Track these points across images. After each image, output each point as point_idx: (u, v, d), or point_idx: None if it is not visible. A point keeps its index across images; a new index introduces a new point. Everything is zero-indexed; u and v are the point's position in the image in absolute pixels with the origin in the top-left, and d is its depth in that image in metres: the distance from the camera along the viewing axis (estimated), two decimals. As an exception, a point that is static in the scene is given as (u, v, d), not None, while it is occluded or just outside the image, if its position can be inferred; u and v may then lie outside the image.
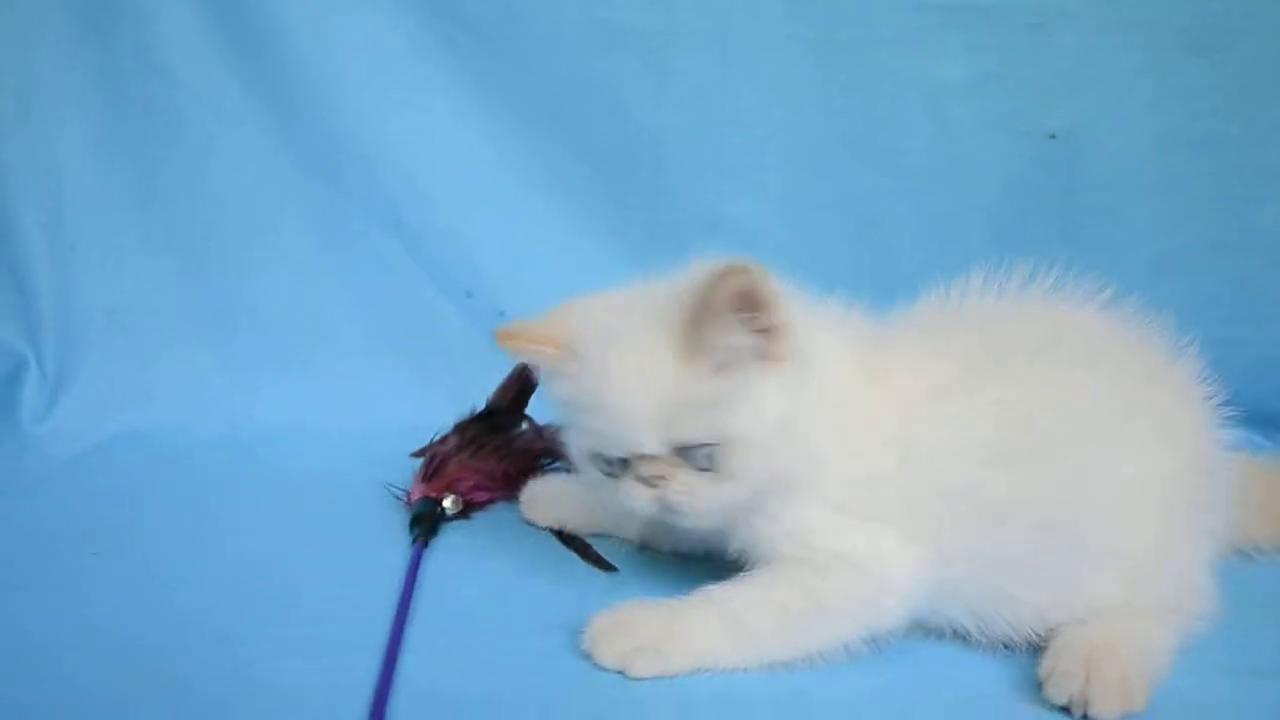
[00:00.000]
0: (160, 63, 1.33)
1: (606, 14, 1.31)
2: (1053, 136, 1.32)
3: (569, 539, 1.05)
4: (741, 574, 0.85)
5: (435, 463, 1.13)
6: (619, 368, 0.81)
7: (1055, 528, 0.83)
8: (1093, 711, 0.76)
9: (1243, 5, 1.26)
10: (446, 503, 1.08)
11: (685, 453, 0.81)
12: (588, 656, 0.82)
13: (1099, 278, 1.28)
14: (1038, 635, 0.84)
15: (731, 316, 0.78)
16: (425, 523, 1.04)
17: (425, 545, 1.02)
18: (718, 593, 0.84)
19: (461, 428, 1.17)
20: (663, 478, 0.81)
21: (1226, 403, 0.97)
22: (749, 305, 0.78)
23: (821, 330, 0.85)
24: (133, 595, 0.94)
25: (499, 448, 1.16)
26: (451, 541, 1.06)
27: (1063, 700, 0.77)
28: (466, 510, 1.10)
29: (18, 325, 1.36)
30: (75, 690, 0.78)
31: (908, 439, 0.84)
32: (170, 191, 1.36)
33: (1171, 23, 1.27)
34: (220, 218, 1.37)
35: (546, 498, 1.09)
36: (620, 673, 0.80)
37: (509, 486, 1.13)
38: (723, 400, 0.80)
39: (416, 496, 1.09)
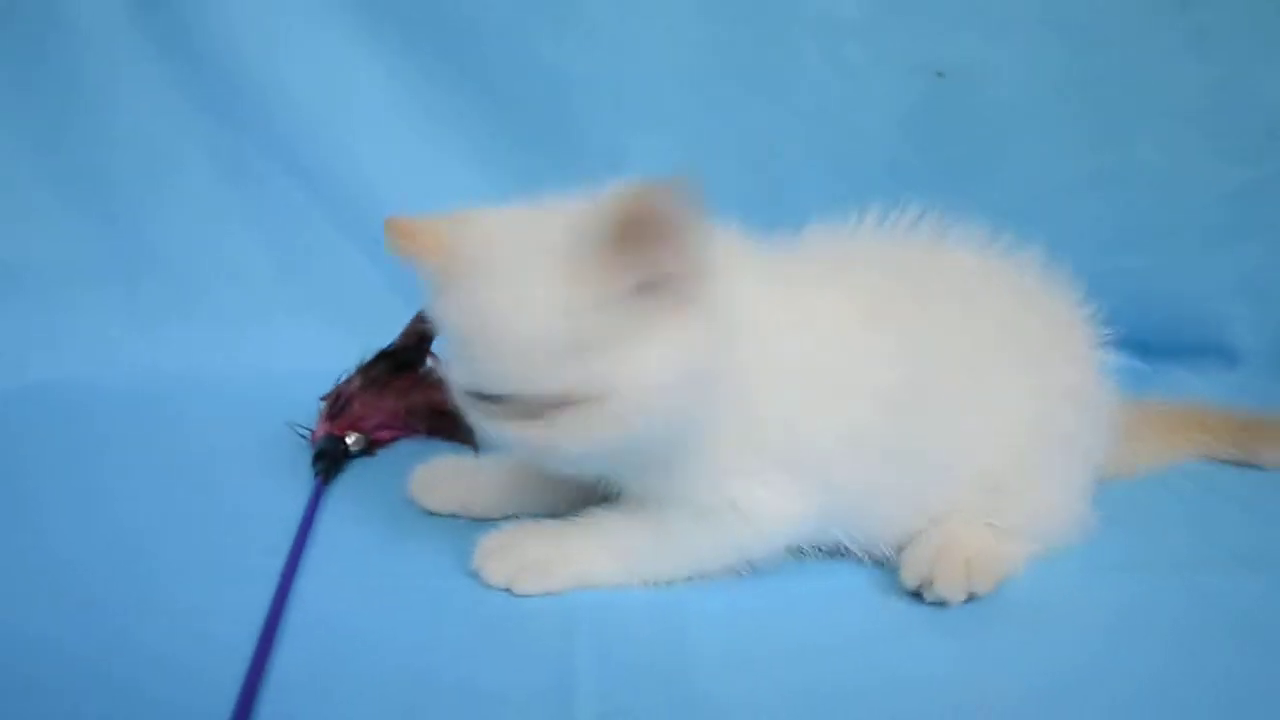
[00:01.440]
0: (56, 9, 1.32)
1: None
2: (941, 75, 1.36)
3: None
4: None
5: (340, 402, 1.15)
6: (503, 294, 0.72)
7: (936, 459, 0.88)
8: (937, 589, 0.81)
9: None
10: (350, 440, 1.11)
11: (568, 395, 0.73)
12: (475, 574, 0.85)
13: (987, 210, 1.36)
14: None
15: (636, 247, 0.70)
16: (328, 459, 1.06)
17: (327, 481, 1.04)
18: (603, 518, 0.86)
19: (365, 368, 1.19)
20: (540, 420, 0.75)
21: (1108, 331, 1.03)
22: (658, 235, 0.70)
23: (737, 272, 0.79)
24: (36, 533, 0.95)
25: (403, 387, 1.18)
26: (356, 478, 1.08)
27: (914, 584, 0.82)
28: (371, 448, 1.13)
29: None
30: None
31: (808, 382, 0.82)
32: (70, 139, 1.36)
33: (1056, -38, 1.31)
34: (121, 164, 1.37)
35: (441, 481, 0.98)
36: (507, 590, 0.83)
37: (413, 425, 1.17)
38: (615, 343, 0.72)
39: (320, 434, 1.11)
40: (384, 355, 1.20)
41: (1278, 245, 1.40)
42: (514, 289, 0.72)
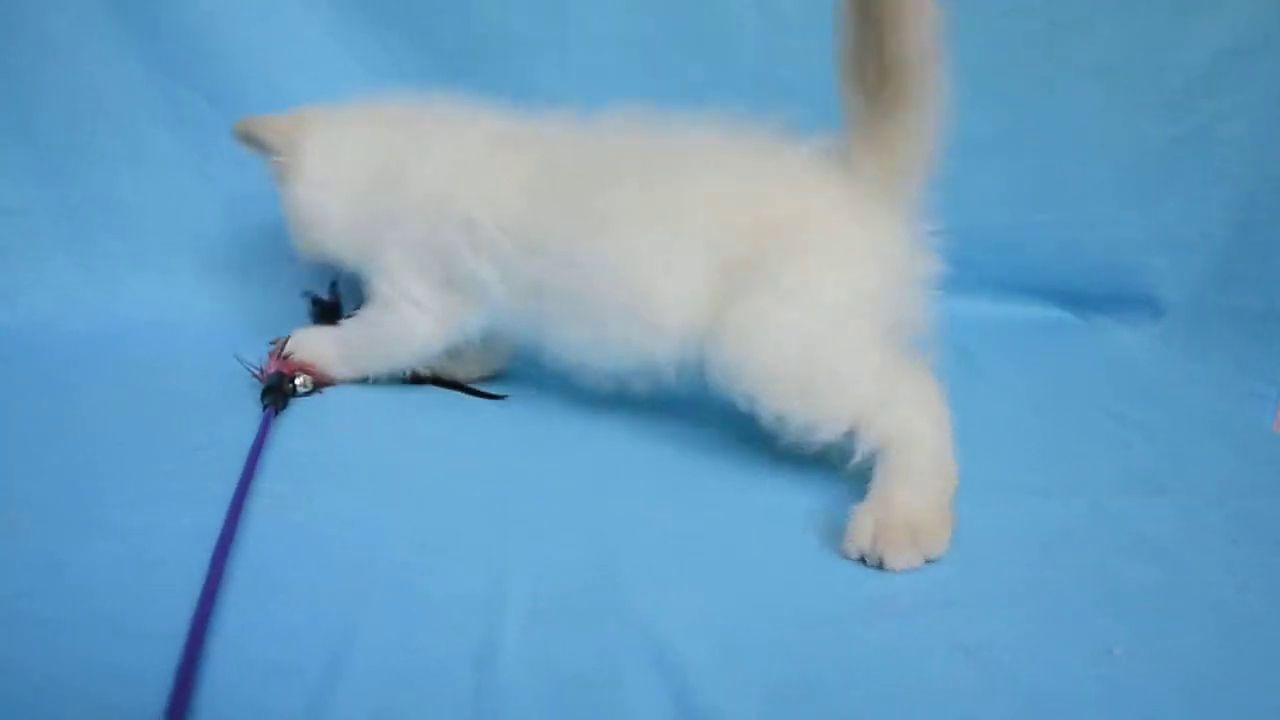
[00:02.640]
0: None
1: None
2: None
3: (446, 382, 1.18)
4: None
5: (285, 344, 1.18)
6: None
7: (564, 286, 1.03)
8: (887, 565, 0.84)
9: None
10: (298, 380, 1.15)
11: None
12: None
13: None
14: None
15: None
16: (276, 394, 1.11)
17: (276, 414, 1.08)
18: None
19: (316, 315, 1.25)
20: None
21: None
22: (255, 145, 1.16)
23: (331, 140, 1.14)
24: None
25: None
26: (302, 412, 1.12)
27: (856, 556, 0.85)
28: (318, 388, 1.17)
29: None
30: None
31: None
32: (22, 93, 1.37)
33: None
34: (74, 117, 1.38)
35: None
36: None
37: None
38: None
39: (270, 371, 1.14)
40: (323, 303, 1.26)
41: (1197, 200, 1.45)
42: None
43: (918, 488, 0.87)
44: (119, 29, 1.36)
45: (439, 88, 1.16)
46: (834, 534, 0.87)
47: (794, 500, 0.94)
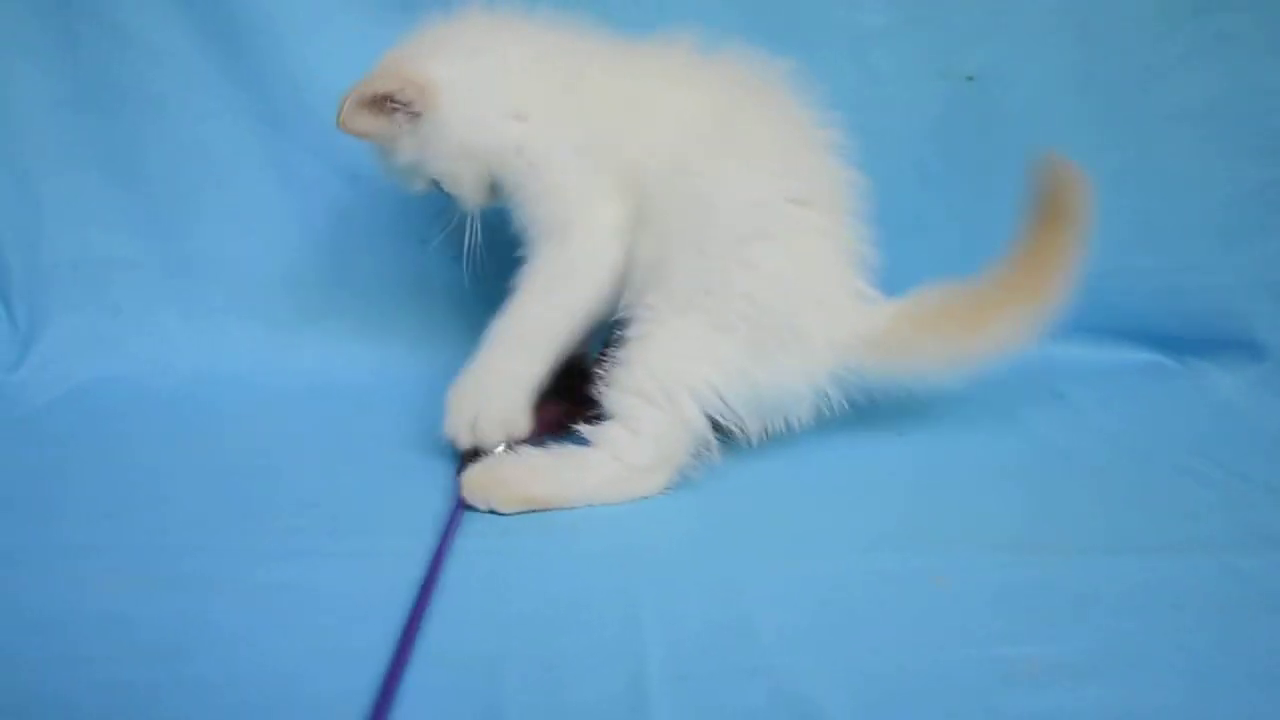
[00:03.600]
0: (114, 22, 1.37)
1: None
2: (971, 79, 1.40)
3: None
4: None
5: None
6: None
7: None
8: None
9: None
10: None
11: None
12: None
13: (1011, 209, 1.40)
14: None
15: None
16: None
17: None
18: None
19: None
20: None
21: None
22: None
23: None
24: (115, 527, 0.99)
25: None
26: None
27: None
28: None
29: (-12, 280, 1.41)
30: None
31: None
32: (130, 146, 1.41)
33: (1077, -32, 1.35)
34: (179, 169, 1.42)
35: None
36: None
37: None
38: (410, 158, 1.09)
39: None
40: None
41: (1298, 243, 1.42)
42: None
43: None
44: (225, 86, 1.40)
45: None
46: (968, 593, 0.86)
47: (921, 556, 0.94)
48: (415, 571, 0.88)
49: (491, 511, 0.98)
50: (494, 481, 0.99)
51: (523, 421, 1.04)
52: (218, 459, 1.16)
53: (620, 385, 1.02)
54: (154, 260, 1.43)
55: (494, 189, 1.12)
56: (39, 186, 1.41)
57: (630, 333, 1.04)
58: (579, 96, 1.07)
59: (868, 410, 1.15)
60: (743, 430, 1.07)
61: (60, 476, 1.11)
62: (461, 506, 0.99)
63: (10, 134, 1.40)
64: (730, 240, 1.03)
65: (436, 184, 1.12)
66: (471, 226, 1.12)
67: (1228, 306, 1.47)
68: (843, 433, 1.16)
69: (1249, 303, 1.46)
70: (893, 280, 1.16)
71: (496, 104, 1.07)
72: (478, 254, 1.13)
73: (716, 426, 1.06)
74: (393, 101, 1.06)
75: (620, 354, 1.03)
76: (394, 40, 1.36)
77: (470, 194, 1.11)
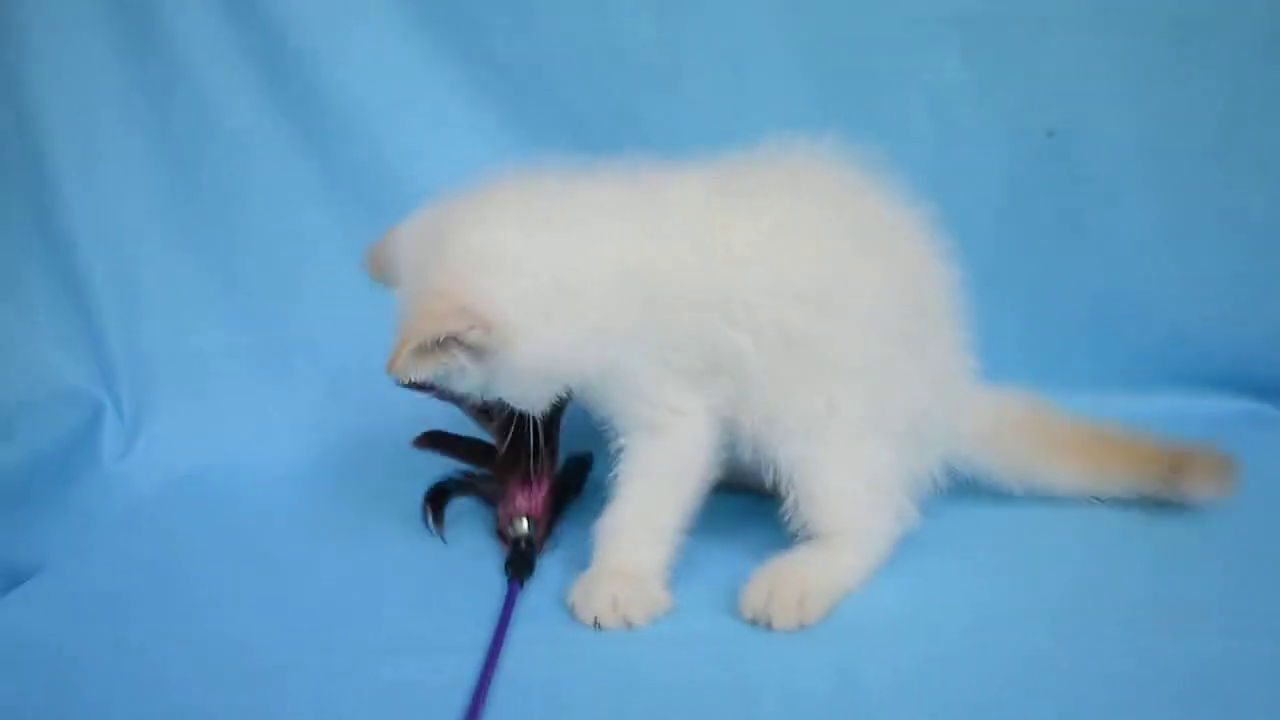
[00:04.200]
0: (214, 122, 1.42)
1: (621, 46, 1.40)
2: (1051, 134, 1.40)
3: None
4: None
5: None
6: None
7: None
8: (775, 625, 0.93)
9: (1215, 2, 1.34)
10: (522, 526, 1.11)
11: None
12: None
13: (1098, 262, 1.38)
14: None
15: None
16: (520, 564, 1.07)
17: (522, 585, 1.04)
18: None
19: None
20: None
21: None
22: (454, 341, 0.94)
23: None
24: (232, 615, 1.03)
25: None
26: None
27: (749, 616, 0.94)
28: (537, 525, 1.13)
29: (94, 371, 1.46)
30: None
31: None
32: (226, 236, 1.46)
33: (1150, 21, 1.35)
34: (275, 258, 1.46)
35: None
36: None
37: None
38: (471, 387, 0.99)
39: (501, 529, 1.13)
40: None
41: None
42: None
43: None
44: (316, 176, 1.44)
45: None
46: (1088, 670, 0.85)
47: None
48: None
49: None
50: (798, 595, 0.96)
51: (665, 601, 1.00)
52: (325, 546, 1.19)
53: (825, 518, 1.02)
54: (253, 348, 1.47)
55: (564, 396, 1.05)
56: (139, 277, 1.46)
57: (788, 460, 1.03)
58: (656, 309, 0.99)
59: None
60: None
61: (168, 568, 1.14)
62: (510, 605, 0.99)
63: (111, 226, 1.45)
64: (871, 372, 1.03)
65: (499, 400, 1.03)
66: (533, 428, 1.05)
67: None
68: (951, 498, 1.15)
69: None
70: (975, 333, 1.15)
71: (574, 332, 0.97)
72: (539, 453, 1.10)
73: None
74: (456, 341, 0.95)
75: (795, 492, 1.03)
76: (478, 127, 1.43)
77: (539, 406, 1.03)
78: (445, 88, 1.42)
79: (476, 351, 0.95)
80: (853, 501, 1.02)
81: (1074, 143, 1.40)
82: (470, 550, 1.14)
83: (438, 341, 0.93)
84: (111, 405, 1.45)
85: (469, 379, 0.98)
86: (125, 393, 1.46)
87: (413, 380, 0.99)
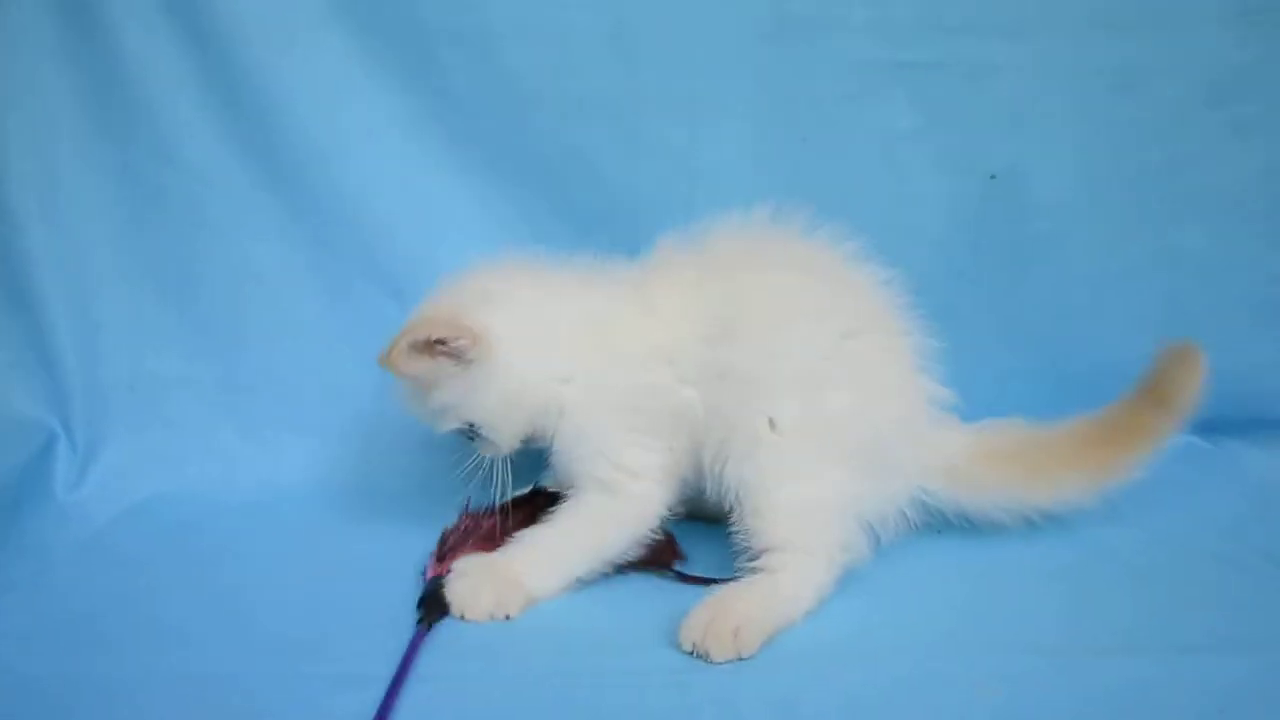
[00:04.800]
0: (172, 154, 1.44)
1: (578, 89, 1.42)
2: (993, 177, 1.44)
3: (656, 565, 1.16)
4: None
5: (448, 543, 1.18)
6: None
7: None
8: (712, 657, 0.96)
9: (1154, 50, 1.39)
10: None
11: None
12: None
13: (1043, 301, 1.42)
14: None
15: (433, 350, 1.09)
16: (432, 605, 1.07)
17: (429, 628, 1.04)
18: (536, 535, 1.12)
19: (475, 515, 1.21)
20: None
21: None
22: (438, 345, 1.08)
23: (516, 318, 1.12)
24: (185, 639, 1.04)
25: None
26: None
27: (688, 648, 0.97)
28: None
29: (48, 402, 1.45)
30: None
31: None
32: (187, 272, 1.47)
33: (1092, 68, 1.40)
34: (232, 289, 1.47)
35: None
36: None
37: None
38: (453, 396, 1.11)
39: (430, 574, 1.13)
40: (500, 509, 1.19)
41: (1327, 321, 1.45)
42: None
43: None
44: (275, 209, 1.45)
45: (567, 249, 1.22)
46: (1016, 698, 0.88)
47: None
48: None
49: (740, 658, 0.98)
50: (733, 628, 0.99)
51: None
52: (271, 576, 1.19)
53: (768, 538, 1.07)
54: (209, 378, 1.47)
55: (530, 437, 1.16)
56: (97, 309, 1.47)
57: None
58: (619, 360, 1.13)
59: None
60: None
61: (121, 599, 1.14)
62: (420, 638, 1.01)
63: (68, 257, 1.45)
64: (807, 389, 1.08)
65: (470, 426, 1.14)
66: (501, 469, 1.17)
67: (1258, 387, 1.49)
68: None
69: (1276, 382, 1.48)
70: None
71: (545, 364, 1.12)
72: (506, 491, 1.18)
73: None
74: (444, 346, 1.09)
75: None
76: (433, 162, 1.45)
77: (506, 440, 1.15)
78: (402, 123, 1.45)
79: (461, 361, 1.09)
80: (796, 515, 1.06)
81: (1018, 185, 1.45)
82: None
83: (429, 342, 1.08)
84: (64, 434, 1.45)
85: (447, 395, 1.11)
86: (79, 422, 1.45)
87: (405, 371, 1.10)
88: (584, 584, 1.11)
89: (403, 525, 1.26)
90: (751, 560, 1.07)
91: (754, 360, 1.09)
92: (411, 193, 1.45)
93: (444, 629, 1.04)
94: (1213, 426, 1.50)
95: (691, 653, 0.97)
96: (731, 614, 0.99)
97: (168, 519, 1.36)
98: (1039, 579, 1.15)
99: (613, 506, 1.11)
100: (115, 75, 1.41)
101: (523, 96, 1.43)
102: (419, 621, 1.04)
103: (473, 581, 1.07)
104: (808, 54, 1.41)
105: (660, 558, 1.16)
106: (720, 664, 0.96)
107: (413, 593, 1.10)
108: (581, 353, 1.13)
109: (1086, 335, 1.49)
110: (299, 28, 1.40)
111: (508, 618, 1.06)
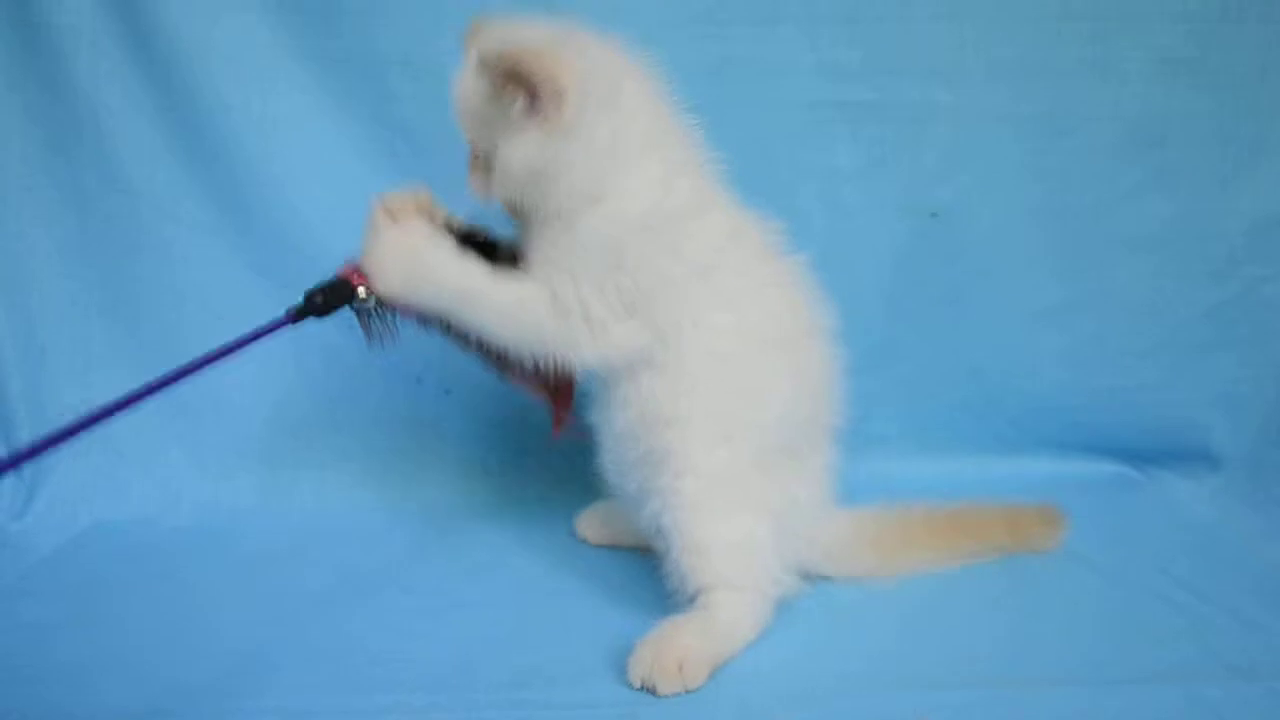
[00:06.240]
0: (120, 178, 1.44)
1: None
2: (934, 215, 1.49)
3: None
4: None
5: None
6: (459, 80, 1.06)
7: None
8: (660, 692, 0.98)
9: (1086, 96, 1.45)
10: (361, 291, 1.08)
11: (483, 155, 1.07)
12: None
13: (978, 336, 1.46)
14: None
15: (509, 83, 1.00)
16: (329, 294, 1.08)
17: (299, 319, 1.08)
18: None
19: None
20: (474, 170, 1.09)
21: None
22: (523, 78, 0.99)
23: (626, 127, 1.05)
24: (127, 673, 1.04)
25: None
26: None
27: (637, 684, 1.00)
28: (382, 309, 1.10)
29: (-10, 426, 1.44)
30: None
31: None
32: (133, 296, 1.47)
33: (1028, 113, 1.45)
34: (181, 317, 1.47)
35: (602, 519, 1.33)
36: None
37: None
38: (498, 132, 1.03)
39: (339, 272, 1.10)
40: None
41: (1248, 358, 1.52)
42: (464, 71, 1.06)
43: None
44: (221, 235, 1.46)
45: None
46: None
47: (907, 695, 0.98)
48: None
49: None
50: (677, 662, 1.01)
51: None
52: (221, 602, 1.20)
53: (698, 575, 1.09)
54: (154, 403, 1.45)
55: (520, 211, 1.09)
56: (42, 334, 1.46)
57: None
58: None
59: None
60: None
61: (70, 628, 1.13)
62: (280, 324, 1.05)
63: (14, 282, 1.45)
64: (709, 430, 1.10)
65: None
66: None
67: (1185, 421, 1.55)
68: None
69: (1204, 416, 1.54)
70: (866, 405, 1.23)
71: (594, 168, 1.04)
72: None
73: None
74: (523, 86, 1.00)
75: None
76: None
77: (503, 199, 1.08)
78: (353, 153, 1.46)
79: (525, 111, 1.01)
80: (722, 555, 1.08)
81: (957, 223, 1.50)
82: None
83: (511, 74, 1.00)
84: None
85: (494, 136, 1.04)
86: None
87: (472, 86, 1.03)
88: (466, 346, 1.12)
89: (351, 550, 1.27)
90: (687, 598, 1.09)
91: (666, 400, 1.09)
92: (362, 219, 1.45)
93: (399, 668, 1.05)
94: (1144, 457, 1.57)
95: (640, 687, 0.99)
96: (674, 647, 1.01)
97: (113, 545, 1.35)
98: (976, 608, 1.18)
99: (547, 305, 1.06)
100: (63, 99, 1.42)
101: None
102: (293, 308, 1.06)
103: (387, 248, 1.07)
104: (750, 91, 1.44)
105: (550, 394, 1.16)
106: (668, 697, 0.98)
107: (360, 615, 1.11)
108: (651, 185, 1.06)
109: (1020, 373, 1.54)
110: (258, 61, 1.42)
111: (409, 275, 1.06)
